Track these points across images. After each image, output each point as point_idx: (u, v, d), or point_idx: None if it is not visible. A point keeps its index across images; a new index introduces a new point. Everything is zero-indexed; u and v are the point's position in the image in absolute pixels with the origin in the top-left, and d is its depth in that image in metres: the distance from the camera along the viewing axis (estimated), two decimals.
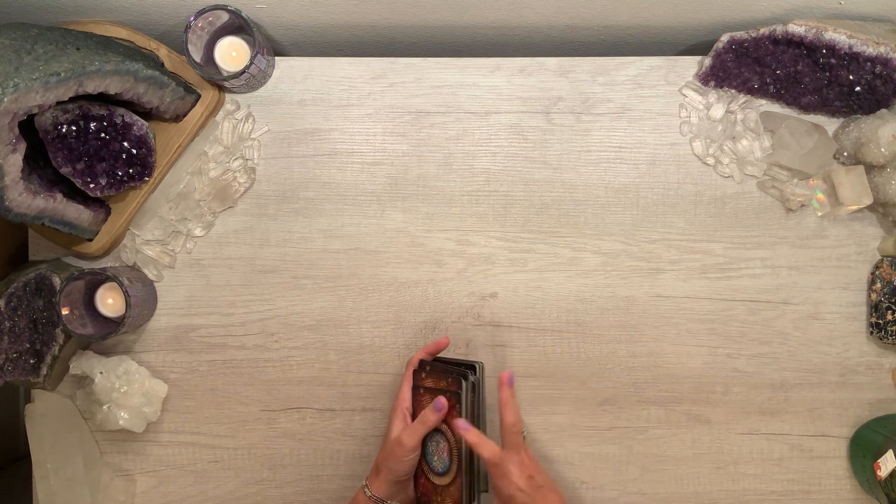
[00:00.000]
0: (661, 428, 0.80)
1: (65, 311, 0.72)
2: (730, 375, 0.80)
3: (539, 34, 0.85)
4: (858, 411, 0.80)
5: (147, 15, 0.77)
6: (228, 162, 0.79)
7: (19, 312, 0.75)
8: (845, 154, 0.78)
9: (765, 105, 0.80)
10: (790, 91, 0.78)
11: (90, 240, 0.76)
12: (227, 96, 0.80)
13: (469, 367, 0.70)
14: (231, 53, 0.76)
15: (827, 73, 0.76)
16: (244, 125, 0.80)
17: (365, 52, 0.85)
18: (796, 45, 0.75)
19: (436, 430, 0.68)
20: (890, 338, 0.77)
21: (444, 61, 0.81)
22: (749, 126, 0.79)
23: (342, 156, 0.80)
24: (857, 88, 0.76)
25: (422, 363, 0.72)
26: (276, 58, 0.81)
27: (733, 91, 0.79)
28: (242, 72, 0.73)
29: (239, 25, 0.75)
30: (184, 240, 0.80)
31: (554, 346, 0.80)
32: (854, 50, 0.73)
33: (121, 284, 0.72)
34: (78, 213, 0.72)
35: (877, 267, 0.79)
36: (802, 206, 0.79)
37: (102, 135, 0.70)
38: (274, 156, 0.80)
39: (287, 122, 0.80)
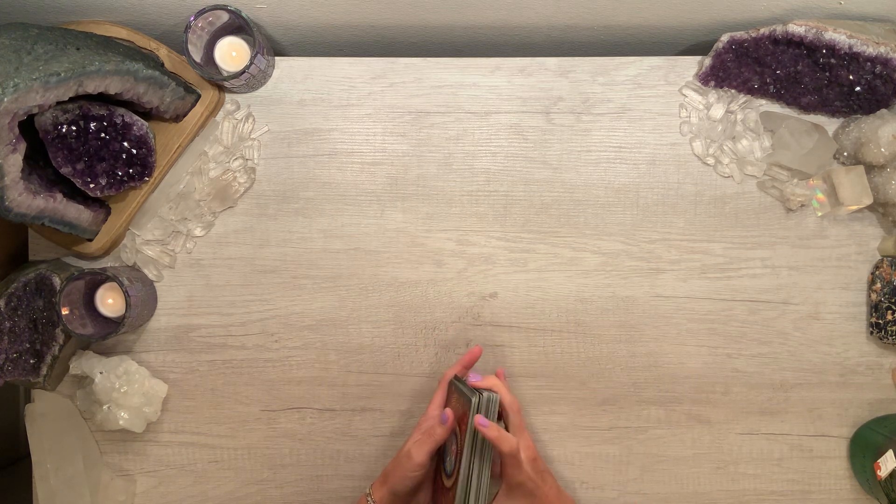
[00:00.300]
0: (661, 428, 0.80)
1: (65, 311, 0.72)
2: (730, 375, 0.80)
3: (539, 34, 0.85)
4: (858, 411, 0.80)
5: (147, 15, 0.77)
6: (228, 162, 0.79)
7: (19, 312, 0.75)
8: (845, 154, 0.78)
9: (765, 105, 0.80)
10: (790, 91, 0.78)
11: (90, 240, 0.76)
12: (227, 96, 0.80)
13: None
14: (231, 53, 0.76)
15: (827, 73, 0.76)
16: (244, 125, 0.80)
17: (365, 52, 0.85)
18: (796, 45, 0.75)
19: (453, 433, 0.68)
20: (890, 338, 0.77)
21: (444, 61, 0.81)
22: (749, 126, 0.79)
23: (342, 156, 0.80)
24: (857, 88, 0.76)
25: (451, 382, 0.71)
26: (276, 58, 0.81)
27: (733, 91, 0.79)
28: (242, 72, 0.73)
29: (239, 25, 0.75)
30: (184, 240, 0.80)
31: (554, 346, 0.80)
32: (854, 50, 0.73)
33: (121, 284, 0.72)
34: (78, 213, 0.72)
35: (877, 267, 0.79)
36: (802, 206, 0.79)
37: (102, 135, 0.70)
38: (274, 156, 0.80)
39: (287, 122, 0.80)
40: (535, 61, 0.80)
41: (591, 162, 0.80)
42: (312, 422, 0.80)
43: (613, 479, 0.80)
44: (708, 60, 0.78)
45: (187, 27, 0.72)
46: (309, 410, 0.80)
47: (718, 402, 0.80)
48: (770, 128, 0.79)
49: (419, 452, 0.66)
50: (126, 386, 0.75)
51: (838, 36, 0.72)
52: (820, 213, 0.80)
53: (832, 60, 0.74)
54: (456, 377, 0.73)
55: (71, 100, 0.66)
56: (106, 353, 0.79)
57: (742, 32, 0.76)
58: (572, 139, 0.80)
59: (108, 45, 0.70)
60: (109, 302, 0.76)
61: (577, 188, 0.80)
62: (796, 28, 0.73)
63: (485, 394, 0.65)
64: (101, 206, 0.76)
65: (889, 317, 0.77)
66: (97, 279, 0.75)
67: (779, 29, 0.74)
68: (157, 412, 0.78)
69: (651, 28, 0.83)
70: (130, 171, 0.73)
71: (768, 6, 0.77)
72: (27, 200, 0.66)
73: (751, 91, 0.79)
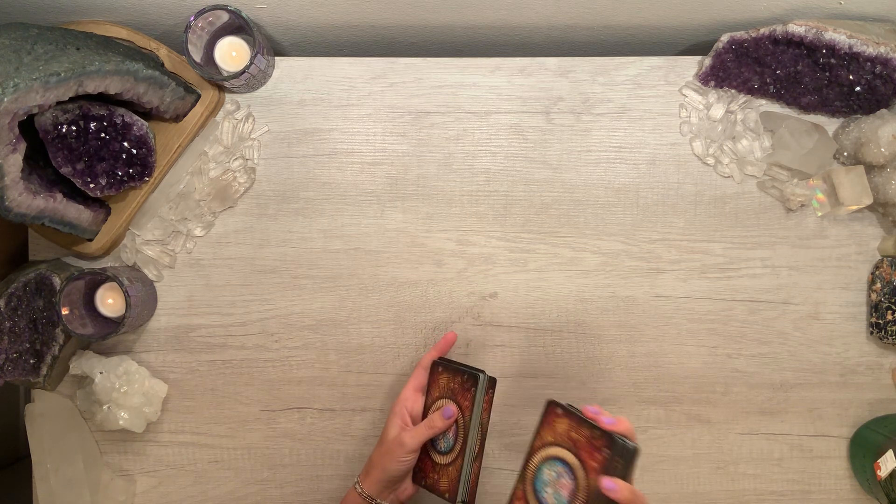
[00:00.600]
0: (661, 428, 0.80)
1: (65, 311, 0.72)
2: (730, 375, 0.80)
3: (539, 34, 0.85)
4: (858, 411, 0.80)
5: (147, 15, 0.77)
6: (228, 162, 0.79)
7: (19, 312, 0.75)
8: (845, 154, 0.78)
9: (765, 105, 0.80)
10: (790, 91, 0.78)
11: (90, 240, 0.76)
12: (227, 96, 0.80)
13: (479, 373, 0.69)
14: (231, 53, 0.76)
15: (827, 73, 0.76)
16: (244, 125, 0.80)
17: (365, 52, 0.85)
18: (796, 45, 0.75)
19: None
20: (890, 338, 0.77)
21: (444, 61, 0.81)
22: (749, 126, 0.79)
23: (342, 156, 0.80)
24: (857, 88, 0.76)
25: (436, 363, 0.72)
26: (276, 58, 0.81)
27: (733, 91, 0.79)
28: (242, 72, 0.73)
29: (239, 25, 0.75)
30: (184, 240, 0.80)
31: (554, 346, 0.80)
32: (854, 50, 0.73)
33: (121, 284, 0.72)
34: (78, 213, 0.72)
35: (877, 267, 0.79)
36: (802, 206, 0.79)
37: (102, 135, 0.70)
38: (274, 156, 0.80)
39: (287, 122, 0.80)
40: (535, 61, 0.80)
41: (591, 162, 0.80)
42: (312, 422, 0.80)
43: None
44: (708, 60, 0.78)
45: (187, 27, 0.72)
46: (309, 410, 0.80)
47: (718, 402, 0.80)
48: (770, 128, 0.79)
49: (413, 440, 0.66)
50: (126, 386, 0.75)
51: (838, 36, 0.72)
52: (820, 213, 0.80)
53: (832, 60, 0.74)
54: (441, 357, 0.73)
55: (71, 100, 0.66)
56: (106, 353, 0.79)
57: (742, 32, 0.76)
58: (572, 139, 0.80)
59: (108, 45, 0.70)
60: (109, 302, 0.76)
61: (577, 188, 0.80)
62: (796, 28, 0.73)
63: (619, 440, 0.55)
64: (101, 206, 0.76)
65: (889, 317, 0.77)
66: (97, 279, 0.75)
67: (779, 29, 0.74)
68: (157, 412, 0.78)
69: (651, 28, 0.83)
70: (130, 171, 0.73)
71: (768, 6, 0.77)
72: (27, 200, 0.66)
73: (751, 91, 0.79)
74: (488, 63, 0.81)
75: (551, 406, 0.61)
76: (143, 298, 0.75)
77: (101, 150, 0.70)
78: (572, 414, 0.59)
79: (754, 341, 0.80)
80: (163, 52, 0.76)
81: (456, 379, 0.69)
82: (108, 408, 0.75)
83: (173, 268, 0.80)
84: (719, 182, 0.80)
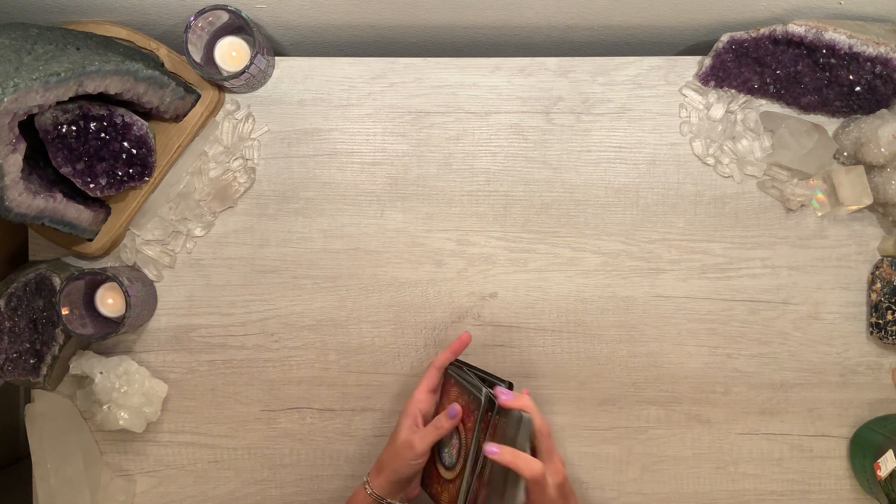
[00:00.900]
0: (661, 428, 0.80)
1: (65, 311, 0.72)
2: (730, 375, 0.80)
3: (539, 34, 0.85)
4: (858, 411, 0.80)
5: (147, 15, 0.77)
6: (228, 162, 0.79)
7: (19, 312, 0.75)
8: (845, 154, 0.78)
9: (765, 105, 0.80)
10: (790, 91, 0.78)
11: (90, 240, 0.76)
12: (227, 96, 0.80)
13: (494, 383, 0.68)
14: (231, 53, 0.76)
15: (827, 73, 0.76)
16: (244, 125, 0.80)
17: (365, 52, 0.85)
18: (796, 45, 0.75)
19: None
20: (890, 338, 0.77)
21: (444, 61, 0.81)
22: (749, 126, 0.79)
23: (342, 156, 0.80)
24: (857, 88, 0.76)
25: (448, 373, 0.71)
26: (276, 58, 0.81)
27: (733, 91, 0.79)
28: (242, 72, 0.73)
29: (239, 25, 0.75)
30: (184, 240, 0.80)
31: (554, 346, 0.80)
32: (854, 50, 0.73)
33: (121, 284, 0.72)
34: (78, 213, 0.72)
35: (877, 267, 0.79)
36: (802, 206, 0.79)
37: (102, 135, 0.70)
38: (274, 156, 0.80)
39: (287, 122, 0.80)
40: (535, 61, 0.81)
41: (591, 162, 0.80)
42: (312, 422, 0.80)
43: (613, 479, 0.80)
44: (708, 60, 0.78)
45: (187, 27, 0.72)
46: (309, 410, 0.80)
47: (718, 402, 0.80)
48: (770, 128, 0.79)
49: (422, 443, 0.66)
50: (126, 386, 0.75)
51: (838, 36, 0.72)
52: (820, 213, 0.80)
53: (832, 60, 0.74)
54: (457, 365, 0.72)
55: (71, 100, 0.66)
56: (106, 353, 0.79)
57: (742, 32, 0.76)
58: (572, 139, 0.80)
59: (108, 45, 0.71)
60: (109, 302, 0.76)
61: (577, 188, 0.80)
62: (796, 28, 0.73)
63: (515, 413, 0.63)
64: (101, 206, 0.76)
65: (889, 317, 0.77)
66: (97, 279, 0.75)
67: (779, 29, 0.74)
68: (157, 412, 0.78)
69: (651, 28, 0.83)
70: (130, 171, 0.73)
71: (768, 6, 0.77)
72: (27, 200, 0.66)
73: (751, 91, 0.79)
74: (488, 63, 0.81)
75: (446, 375, 0.71)
76: (143, 298, 0.76)
77: (101, 150, 0.70)
78: (459, 382, 0.68)
79: (754, 341, 0.80)
80: (163, 52, 0.76)
81: (463, 397, 0.67)
82: (108, 408, 0.75)
83: (173, 268, 0.80)
84: (719, 182, 0.80)
